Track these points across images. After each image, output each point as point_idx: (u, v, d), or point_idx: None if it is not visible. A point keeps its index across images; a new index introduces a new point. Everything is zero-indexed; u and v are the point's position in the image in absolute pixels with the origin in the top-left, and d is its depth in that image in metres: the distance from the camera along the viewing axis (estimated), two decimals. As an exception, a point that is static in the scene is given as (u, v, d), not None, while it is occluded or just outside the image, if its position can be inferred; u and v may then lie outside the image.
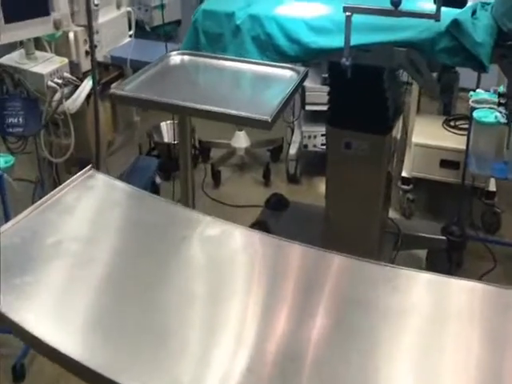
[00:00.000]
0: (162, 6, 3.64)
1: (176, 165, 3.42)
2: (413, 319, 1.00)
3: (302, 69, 2.00)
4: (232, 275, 1.12)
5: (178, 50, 2.13)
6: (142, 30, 3.55)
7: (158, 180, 3.16)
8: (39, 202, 1.31)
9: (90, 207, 1.25)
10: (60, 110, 2.26)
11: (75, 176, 1.42)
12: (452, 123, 2.97)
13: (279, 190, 3.09)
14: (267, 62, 2.01)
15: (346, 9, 1.84)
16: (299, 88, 1.98)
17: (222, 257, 1.15)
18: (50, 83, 2.09)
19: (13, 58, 2.16)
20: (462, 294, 1.04)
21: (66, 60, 2.14)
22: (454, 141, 2.82)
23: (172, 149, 3.35)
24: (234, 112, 1.69)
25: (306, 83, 3.10)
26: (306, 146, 3.24)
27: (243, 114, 1.69)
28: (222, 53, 2.07)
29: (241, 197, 3.16)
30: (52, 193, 1.35)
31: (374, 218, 2.32)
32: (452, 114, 3.07)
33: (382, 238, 2.41)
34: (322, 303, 1.02)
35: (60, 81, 2.12)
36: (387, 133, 2.15)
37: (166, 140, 3.49)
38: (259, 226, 2.56)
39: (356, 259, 1.13)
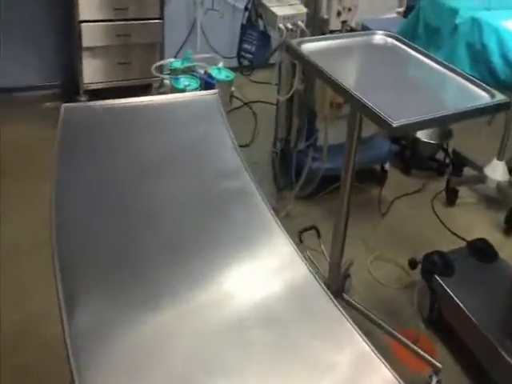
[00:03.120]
0: None
1: (420, 164, 3.19)
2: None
3: (500, 97, 1.64)
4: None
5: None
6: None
7: (387, 166, 3.04)
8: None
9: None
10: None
11: (201, 92, 1.61)
12: None
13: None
14: (467, 76, 1.71)
15: None
16: (478, 115, 1.65)
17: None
18: (280, 25, 2.23)
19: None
20: None
21: (304, 10, 2.24)
22: None
23: (420, 145, 3.13)
24: (367, 102, 1.55)
25: None
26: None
27: (376, 107, 1.52)
28: (435, 49, 1.85)
29: (467, 229, 2.76)
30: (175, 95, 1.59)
31: None
32: None
33: None
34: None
35: (291, 27, 2.23)
36: None
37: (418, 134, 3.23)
38: (440, 257, 2.22)
39: None
